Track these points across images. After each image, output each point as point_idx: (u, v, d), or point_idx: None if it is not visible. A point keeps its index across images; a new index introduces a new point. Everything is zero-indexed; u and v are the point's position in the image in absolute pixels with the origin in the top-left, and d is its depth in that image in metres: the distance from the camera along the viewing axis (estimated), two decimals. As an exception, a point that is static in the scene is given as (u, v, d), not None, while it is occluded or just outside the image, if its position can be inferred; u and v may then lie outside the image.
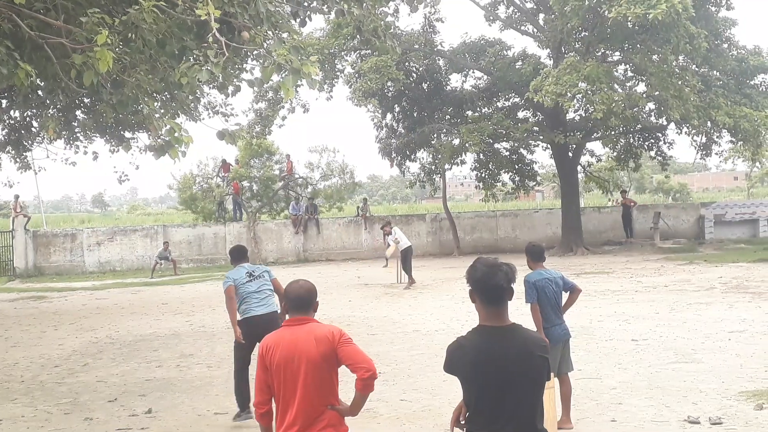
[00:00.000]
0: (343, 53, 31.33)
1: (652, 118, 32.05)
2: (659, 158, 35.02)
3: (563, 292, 8.15)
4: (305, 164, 39.30)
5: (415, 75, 33.85)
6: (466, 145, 30.28)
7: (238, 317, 9.04)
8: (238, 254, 9.48)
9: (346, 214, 39.46)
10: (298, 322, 4.71)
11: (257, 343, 8.68)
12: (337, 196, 38.79)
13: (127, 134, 23.91)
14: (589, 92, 26.06)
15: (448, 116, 35.03)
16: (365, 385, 4.53)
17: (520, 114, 35.12)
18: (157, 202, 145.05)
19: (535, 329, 7.85)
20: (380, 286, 22.65)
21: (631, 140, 34.15)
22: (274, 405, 4.74)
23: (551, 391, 7.34)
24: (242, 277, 9.08)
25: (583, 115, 31.96)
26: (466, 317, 15.14)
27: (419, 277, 23.65)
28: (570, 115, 32.45)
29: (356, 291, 21.78)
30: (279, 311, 8.94)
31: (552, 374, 7.72)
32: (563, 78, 25.60)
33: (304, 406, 4.53)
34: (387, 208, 66.26)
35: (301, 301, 4.77)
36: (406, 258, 22.45)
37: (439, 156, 32.73)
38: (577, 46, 29.39)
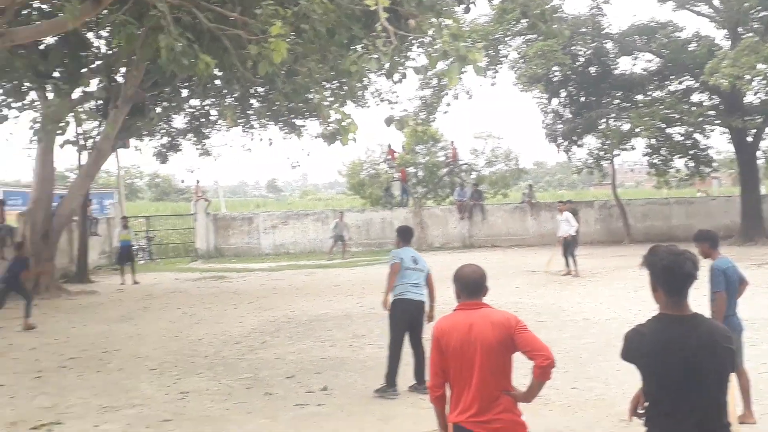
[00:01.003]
0: (507, 38, 31.05)
1: (842, 99, 29.84)
2: None
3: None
4: (470, 150, 39.37)
5: (582, 59, 33.06)
6: (637, 130, 29.34)
7: (391, 297, 9.47)
8: (407, 235, 9.86)
9: (511, 200, 39.15)
10: (473, 306, 4.73)
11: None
12: (502, 182, 38.57)
13: (299, 122, 24.87)
14: (770, 74, 24.63)
15: (617, 100, 34.01)
16: (543, 372, 4.50)
17: (695, 97, 33.44)
18: (326, 188, 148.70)
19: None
20: (547, 273, 22.38)
21: (819, 123, 31.92)
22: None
23: (731, 384, 7.09)
24: (408, 260, 9.43)
25: (764, 98, 30.15)
26: (638, 306, 14.63)
27: (588, 265, 23.19)
28: (749, 99, 30.67)
29: (523, 278, 21.62)
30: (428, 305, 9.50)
31: None
32: (741, 59, 24.28)
33: (480, 391, 4.55)
34: (552, 194, 65.15)
35: (475, 285, 4.80)
36: (568, 246, 22.13)
37: (608, 141, 31.88)
38: (755, 25, 27.79)
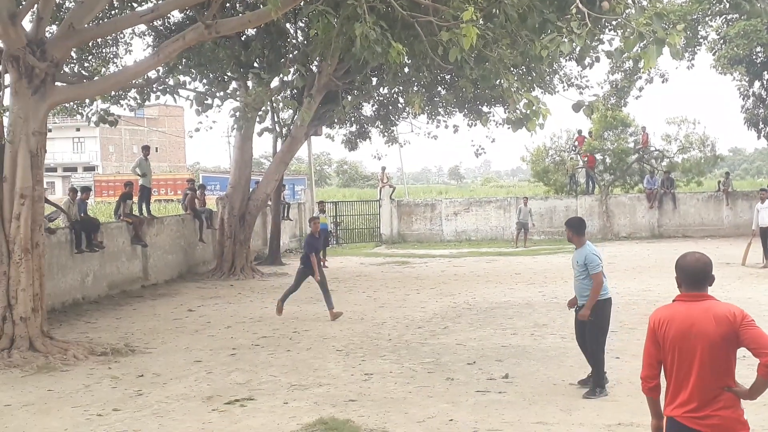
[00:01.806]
0: (707, 19, 29.49)
1: None
2: None
3: None
4: (662, 136, 37.58)
5: (788, 39, 30.92)
6: None
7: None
8: (583, 227, 9.55)
9: (706, 188, 37.22)
10: (694, 298, 4.53)
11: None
12: (696, 169, 36.63)
13: (485, 108, 24.76)
14: None
15: (828, 81, 31.64)
16: None
17: None
18: (508, 175, 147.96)
19: None
20: (743, 266, 21.12)
21: None
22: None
23: None
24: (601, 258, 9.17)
25: None
26: None
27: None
28: None
29: (716, 270, 20.32)
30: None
31: None
32: None
33: (699, 385, 4.38)
34: (750, 183, 61.46)
35: (699, 275, 4.58)
36: (765, 237, 20.75)
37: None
38: None
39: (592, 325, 8.93)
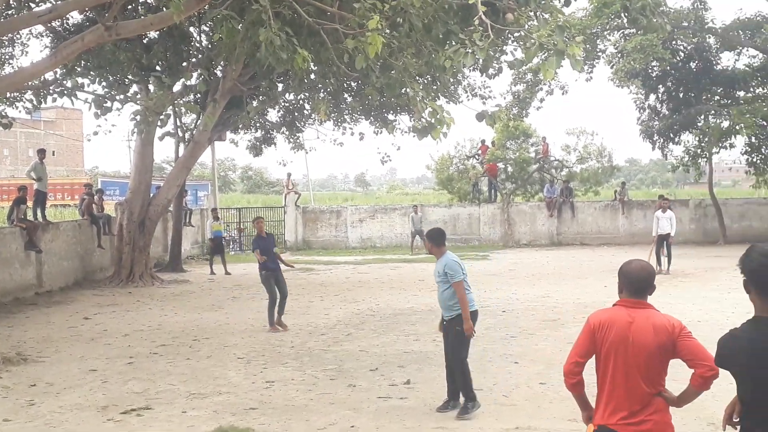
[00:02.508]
0: (605, 33, 30.46)
1: None
2: None
3: None
4: (561, 146, 38.67)
5: (682, 54, 32.18)
6: (737, 127, 28.39)
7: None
8: (443, 238, 9.07)
9: (603, 197, 38.41)
10: (636, 305, 4.58)
11: None
12: (594, 179, 37.80)
13: (391, 116, 24.95)
14: None
15: (717, 97, 33.03)
16: (704, 382, 4.36)
17: (799, 95, 32.27)
18: (414, 183, 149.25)
19: None
20: (657, 271, 21.83)
21: None
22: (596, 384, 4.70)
23: None
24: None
25: None
26: (732, 309, 14.29)
27: (681, 265, 22.59)
28: None
29: (612, 276, 20.93)
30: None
31: None
32: None
33: (635, 392, 4.46)
34: (646, 193, 63.68)
35: (641, 283, 4.64)
36: (660, 244, 21.70)
37: (706, 139, 30.95)
38: None
39: (455, 338, 8.54)
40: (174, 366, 11.22)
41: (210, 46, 20.58)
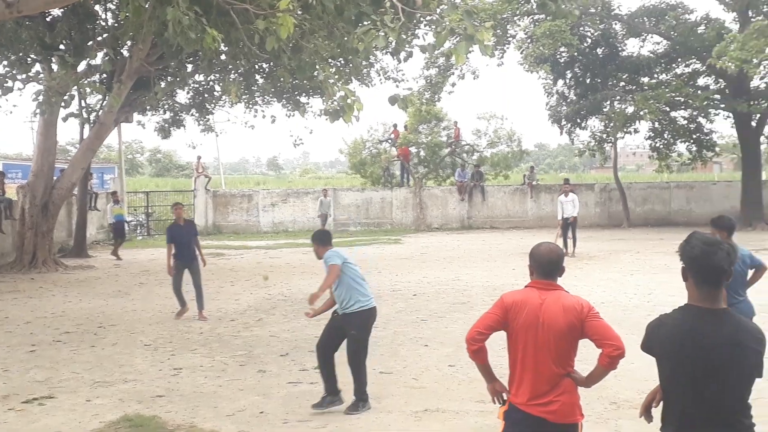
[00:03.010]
0: (516, 18, 30.87)
1: None
2: None
3: (749, 270, 7.83)
4: (472, 131, 39.25)
5: (589, 40, 32.94)
6: (641, 113, 29.26)
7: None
8: (328, 238, 8.68)
9: (512, 182, 39.08)
10: (546, 286, 4.66)
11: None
12: (504, 163, 38.42)
13: (303, 99, 24.74)
14: (777, 58, 24.46)
15: (623, 83, 33.97)
16: (611, 362, 4.44)
17: (701, 81, 33.36)
18: (327, 167, 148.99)
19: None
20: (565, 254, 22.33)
21: (824, 109, 31.70)
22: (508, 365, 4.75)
23: None
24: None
25: (770, 82, 30.03)
26: (633, 290, 14.79)
27: (586, 247, 23.18)
28: (755, 83, 30.61)
29: (520, 259, 21.53)
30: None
31: None
32: (749, 43, 24.12)
33: (544, 372, 4.52)
34: (554, 176, 65.05)
35: (551, 266, 4.72)
36: (565, 228, 22.20)
37: (612, 124, 31.75)
38: (765, 9, 27.61)
39: (352, 338, 8.15)
40: (78, 354, 10.90)
41: (116, 25, 19.98)
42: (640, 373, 8.66)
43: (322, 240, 8.51)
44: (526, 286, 4.76)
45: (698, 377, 3.56)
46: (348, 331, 8.13)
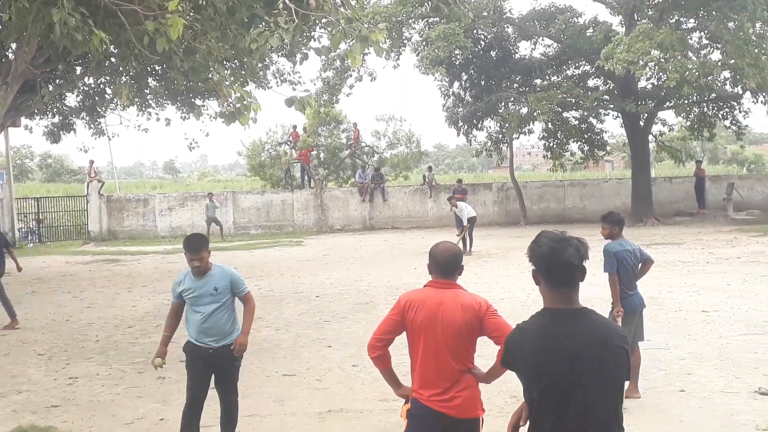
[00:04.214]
0: (410, 21, 31.17)
1: (727, 87, 31.13)
2: (734, 128, 33.95)
3: (639, 264, 8.15)
4: (372, 132, 39.42)
5: (483, 43, 33.53)
6: (534, 114, 29.96)
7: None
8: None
9: (412, 182, 39.48)
10: (444, 285, 4.73)
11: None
12: (404, 164, 38.80)
13: (198, 101, 24.34)
14: (662, 60, 25.41)
15: (516, 85, 34.71)
16: None
17: (591, 82, 34.47)
18: (226, 169, 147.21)
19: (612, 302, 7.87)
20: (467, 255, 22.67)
21: (705, 109, 33.12)
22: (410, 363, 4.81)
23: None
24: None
25: (656, 83, 31.20)
26: (532, 287, 14.99)
27: (485, 246, 23.64)
28: (642, 84, 31.82)
29: (422, 259, 21.70)
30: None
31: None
32: (635, 45, 25.04)
33: (445, 369, 4.60)
34: (453, 177, 66.02)
35: (448, 265, 4.78)
36: (470, 228, 22.52)
37: (507, 125, 32.41)
38: (650, 13, 28.73)
39: (234, 373, 6.98)
40: (-34, 367, 10.49)
41: (-1, 27, 19.25)
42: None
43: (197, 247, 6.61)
44: (425, 286, 4.84)
45: (566, 387, 3.24)
46: (232, 360, 6.87)
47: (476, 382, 4.71)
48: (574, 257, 3.35)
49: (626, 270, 7.93)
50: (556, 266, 3.37)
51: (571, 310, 3.37)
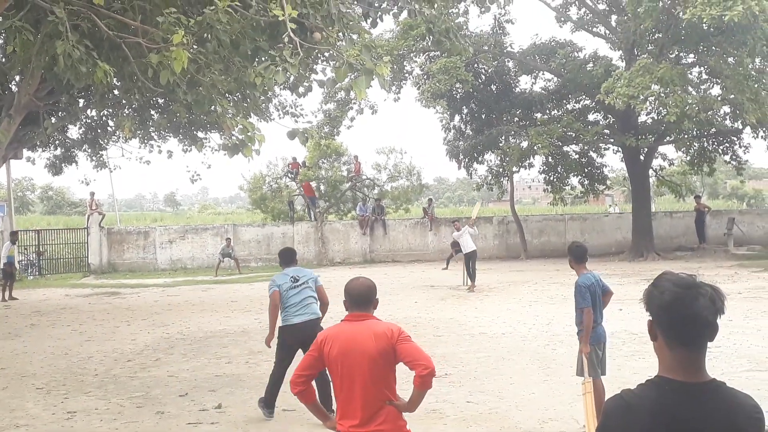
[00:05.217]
0: (412, 54, 31.36)
1: (727, 122, 31.27)
2: (734, 163, 34.03)
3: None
4: (372, 165, 39.47)
5: (483, 77, 33.66)
6: (535, 147, 30.00)
7: (279, 323, 8.96)
8: (289, 258, 9.28)
9: (413, 215, 39.47)
10: (358, 318, 4.78)
11: (298, 349, 8.50)
12: (404, 197, 38.82)
13: (200, 134, 24.42)
14: (662, 95, 25.53)
15: (517, 118, 34.79)
16: (423, 382, 4.54)
17: (591, 116, 34.57)
18: (227, 202, 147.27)
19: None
20: (446, 288, 22.58)
21: (705, 144, 33.23)
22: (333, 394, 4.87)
23: (589, 395, 7.24)
24: (287, 283, 8.88)
25: (656, 118, 31.36)
26: (533, 321, 15.04)
27: (486, 280, 23.53)
28: (642, 118, 31.97)
29: (422, 292, 21.75)
30: (321, 317, 8.84)
31: (590, 377, 7.66)
32: (636, 80, 25.16)
33: (363, 400, 4.59)
34: (453, 210, 66.03)
35: (361, 298, 4.85)
36: (469, 261, 22.40)
37: (507, 158, 32.47)
38: (650, 47, 28.88)
39: None
40: (-37, 400, 10.38)
41: (3, 59, 19.34)
42: (540, 401, 8.83)
43: (284, 259, 9.30)
44: (341, 321, 4.88)
45: None
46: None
47: (398, 414, 4.70)
48: (708, 310, 2.56)
49: (595, 302, 7.97)
50: (681, 320, 2.56)
51: (697, 384, 2.56)
